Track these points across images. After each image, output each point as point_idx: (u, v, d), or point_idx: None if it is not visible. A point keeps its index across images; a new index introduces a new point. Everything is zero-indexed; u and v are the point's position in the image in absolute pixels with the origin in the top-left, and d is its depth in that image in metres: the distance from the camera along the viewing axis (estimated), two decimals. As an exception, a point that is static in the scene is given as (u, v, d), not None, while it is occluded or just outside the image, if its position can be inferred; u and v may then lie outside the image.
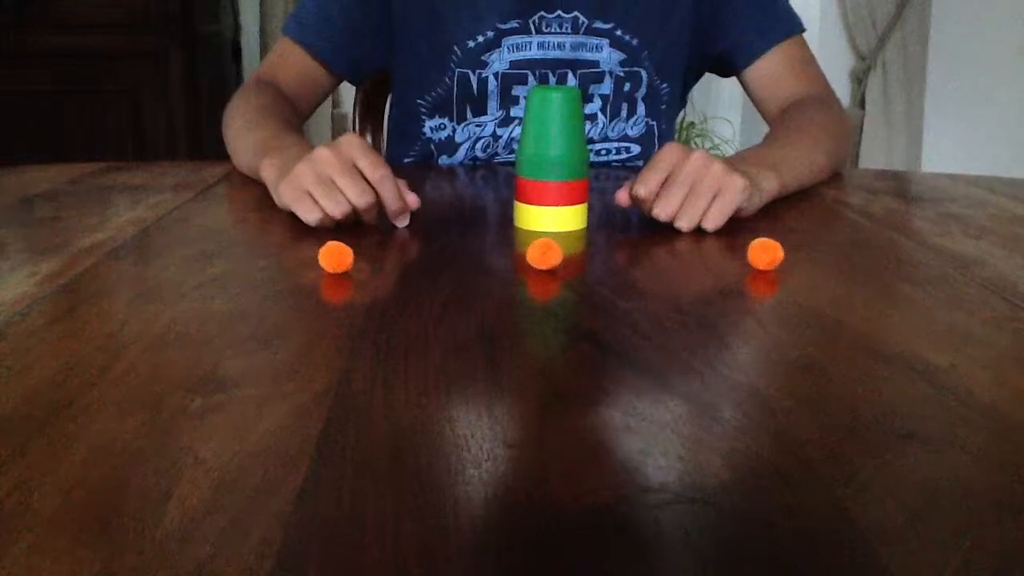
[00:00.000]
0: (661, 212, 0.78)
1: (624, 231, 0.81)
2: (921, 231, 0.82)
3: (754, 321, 0.58)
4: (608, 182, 1.02)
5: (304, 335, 0.54)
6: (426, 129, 1.15)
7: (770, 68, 1.10)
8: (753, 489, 0.37)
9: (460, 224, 0.83)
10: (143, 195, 0.92)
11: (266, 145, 0.90)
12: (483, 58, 1.08)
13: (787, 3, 1.13)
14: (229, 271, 0.66)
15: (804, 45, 1.13)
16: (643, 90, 1.13)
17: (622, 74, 1.11)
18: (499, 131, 1.12)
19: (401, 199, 0.78)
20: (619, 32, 1.09)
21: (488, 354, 0.51)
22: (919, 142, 2.84)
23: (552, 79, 1.10)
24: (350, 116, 1.38)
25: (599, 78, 1.11)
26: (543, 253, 0.67)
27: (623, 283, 0.66)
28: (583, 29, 1.08)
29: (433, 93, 1.12)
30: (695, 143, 3.14)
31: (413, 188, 0.80)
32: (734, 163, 0.82)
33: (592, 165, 1.08)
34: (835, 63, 2.79)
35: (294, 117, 1.05)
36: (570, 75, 1.10)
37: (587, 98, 1.11)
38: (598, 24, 1.08)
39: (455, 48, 1.09)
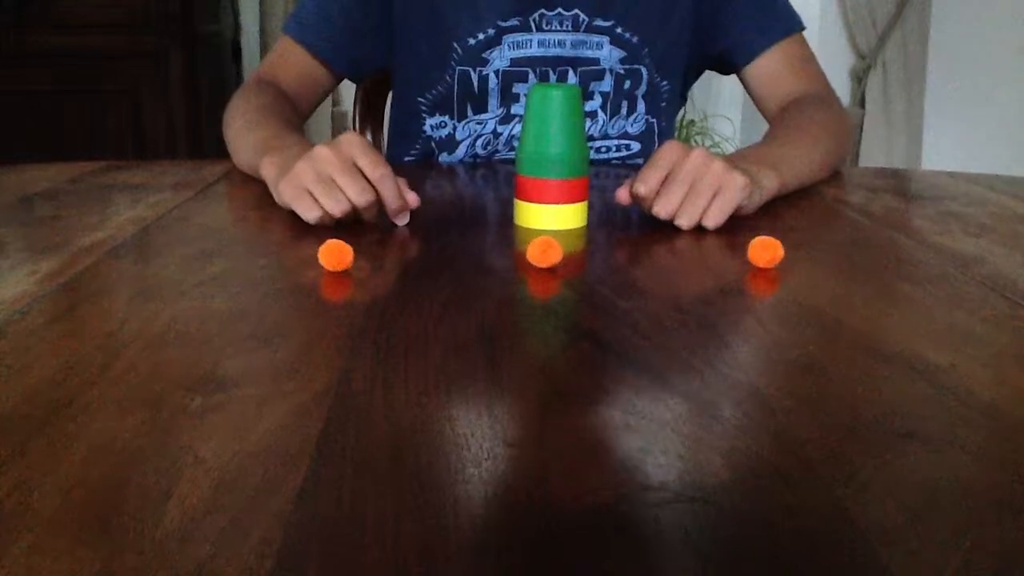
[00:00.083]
0: (661, 210, 0.78)
1: (624, 229, 0.81)
2: (921, 229, 0.82)
3: (754, 320, 0.58)
4: (608, 180, 1.02)
5: (304, 334, 0.54)
6: (427, 127, 1.15)
7: (770, 66, 1.11)
8: (753, 488, 0.37)
9: (460, 222, 0.83)
10: (143, 194, 0.92)
11: (267, 144, 0.90)
12: (483, 56, 1.08)
13: (787, 2, 1.13)
14: (229, 270, 0.66)
15: (804, 43, 1.13)
16: (643, 87, 1.13)
17: (622, 71, 1.11)
18: (500, 128, 1.12)
19: (401, 197, 0.78)
20: (619, 30, 1.09)
21: (488, 353, 0.51)
22: (919, 141, 2.84)
23: (552, 76, 1.10)
24: (350, 114, 1.38)
25: (599, 75, 1.11)
26: (543, 251, 0.67)
27: (623, 281, 0.66)
28: (583, 27, 1.08)
29: (434, 91, 1.12)
30: (695, 141, 3.14)
31: (413, 187, 0.80)
32: (734, 161, 0.82)
33: (592, 163, 1.08)
34: (835, 62, 2.79)
35: (295, 116, 1.05)
36: (571, 72, 1.10)
37: (587, 95, 1.11)
38: (598, 22, 1.08)
39: (455, 46, 1.09)
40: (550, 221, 0.79)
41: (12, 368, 0.48)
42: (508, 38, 1.08)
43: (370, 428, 0.42)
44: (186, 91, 2.45)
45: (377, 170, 0.76)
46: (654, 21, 1.11)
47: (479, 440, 0.41)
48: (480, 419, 0.43)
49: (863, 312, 0.59)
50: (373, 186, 0.77)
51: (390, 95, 1.26)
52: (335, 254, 0.65)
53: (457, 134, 1.14)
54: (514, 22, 1.07)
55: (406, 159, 1.19)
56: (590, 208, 0.83)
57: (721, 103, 3.23)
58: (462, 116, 1.12)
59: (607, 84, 1.11)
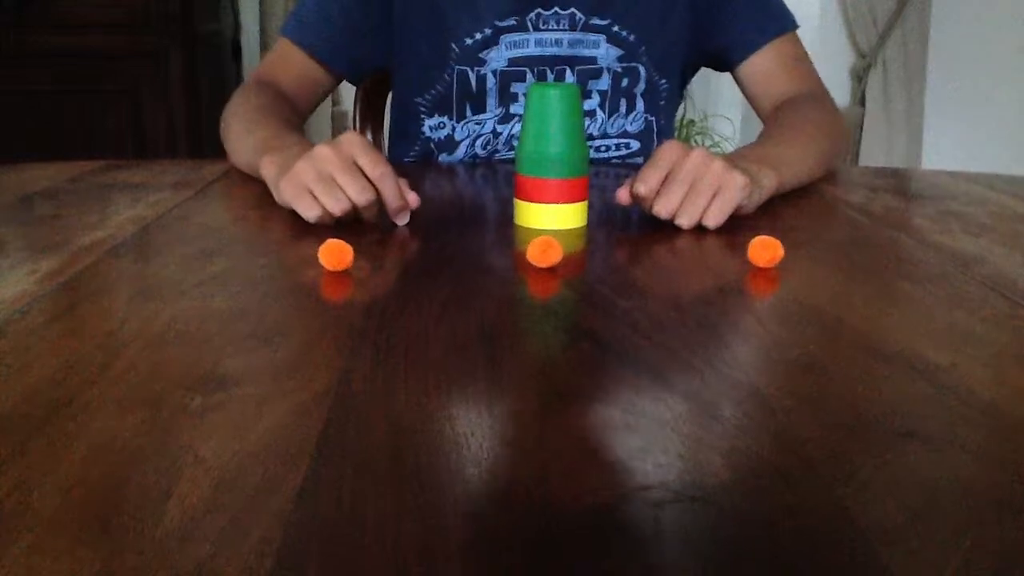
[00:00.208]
0: (662, 210, 0.78)
1: (624, 229, 0.81)
2: (921, 229, 0.82)
3: (754, 319, 0.58)
4: (608, 179, 1.02)
5: (304, 333, 0.54)
6: (425, 128, 1.15)
7: (763, 65, 1.11)
8: (753, 488, 0.37)
9: (460, 222, 0.83)
10: (143, 193, 0.92)
11: (267, 144, 0.90)
12: (481, 55, 1.09)
13: (781, 0, 1.13)
14: (229, 269, 0.66)
15: (797, 42, 1.13)
16: (642, 86, 1.13)
17: (620, 70, 1.11)
18: (499, 128, 1.12)
19: (402, 196, 0.78)
20: (615, 28, 1.09)
21: (488, 353, 0.51)
22: (919, 140, 2.84)
23: (550, 76, 1.10)
24: (350, 114, 1.38)
25: (597, 74, 1.11)
26: (543, 251, 0.67)
27: (623, 281, 0.66)
28: (580, 25, 1.08)
29: (433, 91, 1.12)
30: (695, 141, 3.14)
31: (413, 186, 0.80)
32: (733, 160, 0.82)
33: (592, 162, 1.08)
34: (835, 60, 2.79)
35: (294, 117, 1.05)
36: (568, 72, 1.10)
37: (585, 94, 1.11)
38: (595, 20, 1.09)
39: (453, 46, 1.09)
40: (550, 221, 0.79)
41: (12, 367, 0.48)
42: (505, 38, 1.08)
43: (370, 428, 0.42)
44: (186, 91, 2.45)
45: (377, 169, 0.76)
46: (652, 20, 1.11)
47: (479, 440, 0.41)
48: (480, 419, 0.43)
49: (863, 311, 0.59)
50: (374, 185, 0.77)
51: (390, 96, 1.26)
52: (335, 254, 0.65)
53: (456, 135, 1.14)
54: (511, 22, 1.07)
55: (406, 160, 1.19)
56: (590, 208, 0.83)
57: (721, 103, 3.23)
58: (461, 116, 1.12)
59: (605, 83, 1.11)
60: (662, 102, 1.17)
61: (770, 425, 0.43)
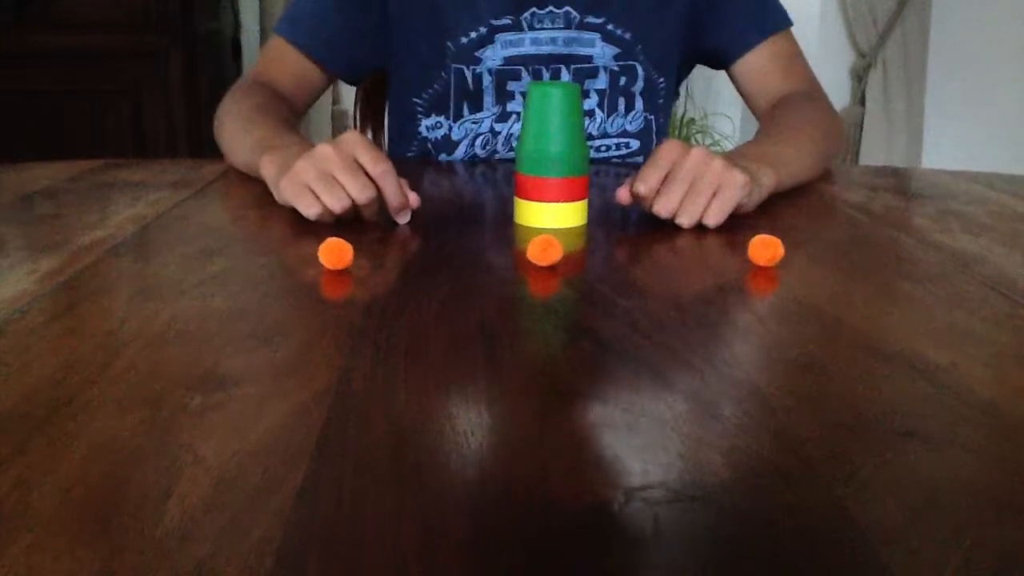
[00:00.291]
0: (662, 209, 0.78)
1: (624, 228, 0.81)
2: (921, 228, 0.82)
3: (754, 318, 0.58)
4: (608, 178, 1.02)
5: (304, 332, 0.54)
6: (422, 128, 1.15)
7: (758, 63, 1.11)
8: (753, 487, 0.37)
9: (460, 221, 0.83)
10: (143, 192, 0.92)
11: (266, 143, 0.90)
12: (476, 54, 1.09)
13: None
14: (229, 268, 0.66)
15: (792, 40, 1.13)
16: (640, 84, 1.13)
17: (616, 68, 1.11)
18: (497, 127, 1.12)
19: (403, 195, 0.78)
20: (611, 27, 1.09)
21: (488, 351, 0.51)
22: (919, 140, 2.84)
23: (546, 74, 1.10)
24: (351, 113, 1.38)
25: (593, 73, 1.11)
26: (543, 250, 0.67)
27: (623, 280, 0.66)
28: (575, 24, 1.08)
29: (430, 91, 1.12)
30: (695, 139, 3.14)
31: (413, 185, 0.80)
32: (733, 159, 0.82)
33: (592, 161, 1.08)
34: (835, 60, 2.79)
35: (291, 116, 1.05)
36: (564, 70, 1.10)
37: (584, 94, 1.11)
38: (590, 19, 1.09)
39: (449, 44, 1.09)
40: (550, 219, 0.79)
41: (12, 367, 0.48)
42: (501, 36, 1.08)
43: (370, 427, 0.42)
44: (186, 90, 2.45)
45: (378, 166, 0.76)
46: (648, 18, 1.11)
47: (479, 439, 0.41)
48: (480, 418, 0.43)
49: (863, 311, 0.59)
50: (374, 183, 0.77)
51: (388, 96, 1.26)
52: (335, 252, 0.65)
53: (453, 134, 1.14)
54: (506, 20, 1.08)
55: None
56: (590, 206, 0.83)
57: (721, 101, 3.23)
58: (458, 116, 1.12)
59: (602, 81, 1.11)
60: (660, 100, 1.17)
61: (770, 424, 0.43)
